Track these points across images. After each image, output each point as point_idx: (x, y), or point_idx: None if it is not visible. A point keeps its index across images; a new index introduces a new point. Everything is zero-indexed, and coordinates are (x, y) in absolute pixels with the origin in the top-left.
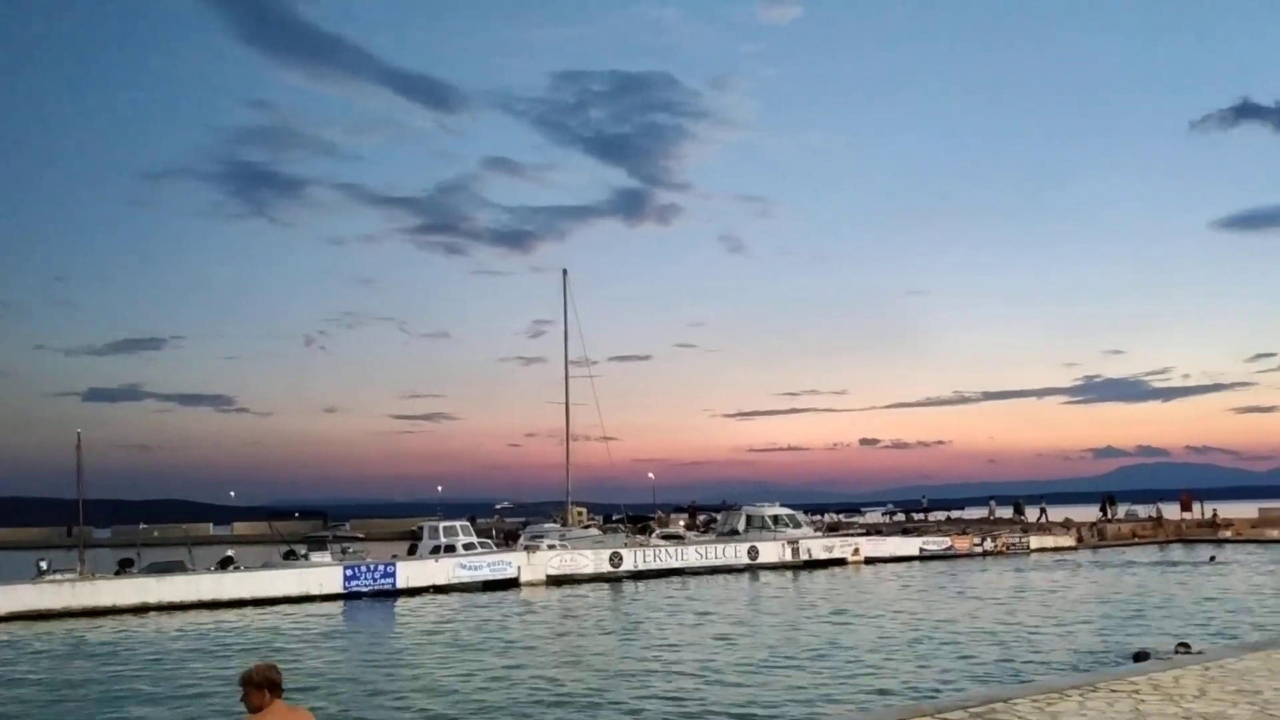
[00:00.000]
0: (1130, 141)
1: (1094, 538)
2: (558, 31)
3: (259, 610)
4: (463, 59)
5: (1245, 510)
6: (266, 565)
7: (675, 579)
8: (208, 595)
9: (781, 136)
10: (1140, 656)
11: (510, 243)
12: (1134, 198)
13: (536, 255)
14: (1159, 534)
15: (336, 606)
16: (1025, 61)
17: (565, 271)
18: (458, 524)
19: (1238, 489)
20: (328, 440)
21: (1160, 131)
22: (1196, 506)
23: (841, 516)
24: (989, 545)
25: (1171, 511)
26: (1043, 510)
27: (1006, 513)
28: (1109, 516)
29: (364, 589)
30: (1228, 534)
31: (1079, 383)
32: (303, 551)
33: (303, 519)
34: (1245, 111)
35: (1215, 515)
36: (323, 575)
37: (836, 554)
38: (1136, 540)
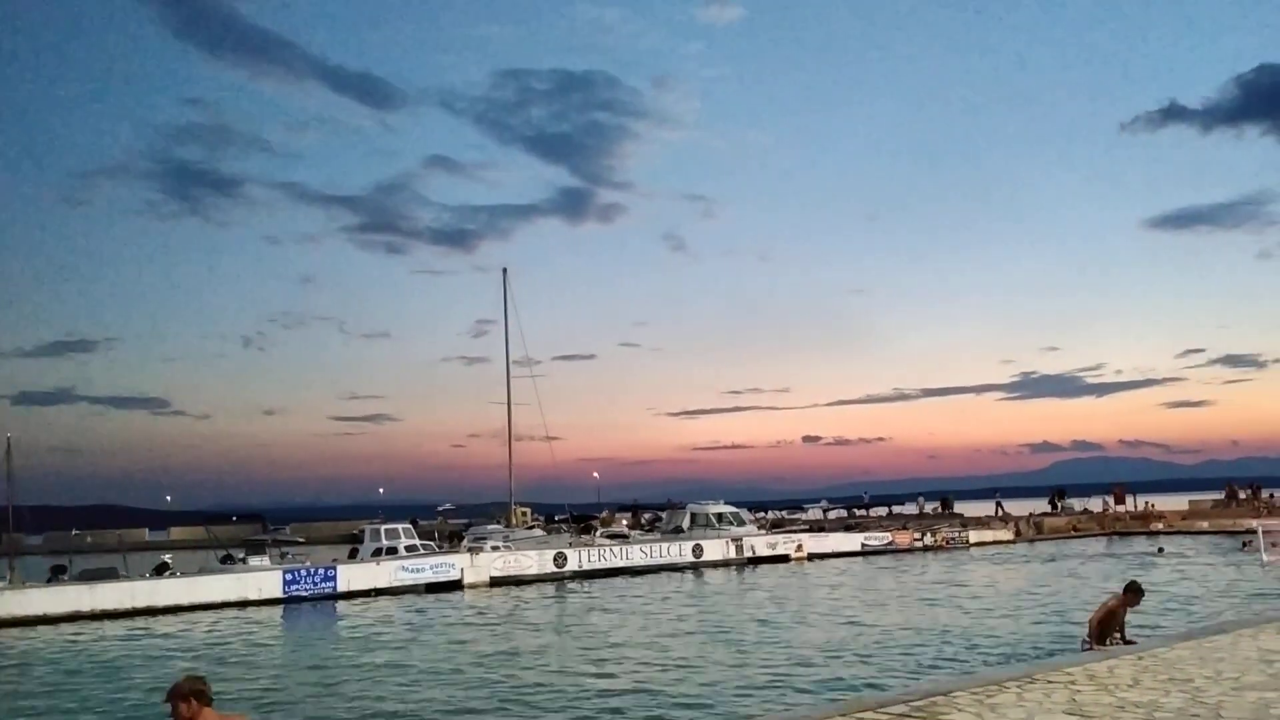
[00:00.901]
0: (1063, 143)
1: (1032, 531)
2: (499, 30)
3: (196, 617)
4: (403, 56)
5: (1176, 503)
6: (203, 570)
7: (620, 578)
8: (142, 602)
9: (723, 136)
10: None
11: (451, 242)
12: (1068, 198)
13: (478, 254)
14: (1094, 527)
15: (276, 611)
16: (962, 64)
17: (506, 271)
18: (399, 526)
19: (1168, 482)
20: (267, 443)
21: (1092, 133)
22: (1129, 500)
23: (785, 514)
24: (929, 540)
25: (1101, 504)
26: (998, 504)
27: (934, 508)
28: (1058, 510)
29: (304, 593)
30: (1159, 526)
31: (1016, 379)
32: (240, 556)
33: (241, 523)
34: (1173, 113)
35: (1150, 508)
36: (261, 580)
37: (780, 551)
38: (1074, 534)
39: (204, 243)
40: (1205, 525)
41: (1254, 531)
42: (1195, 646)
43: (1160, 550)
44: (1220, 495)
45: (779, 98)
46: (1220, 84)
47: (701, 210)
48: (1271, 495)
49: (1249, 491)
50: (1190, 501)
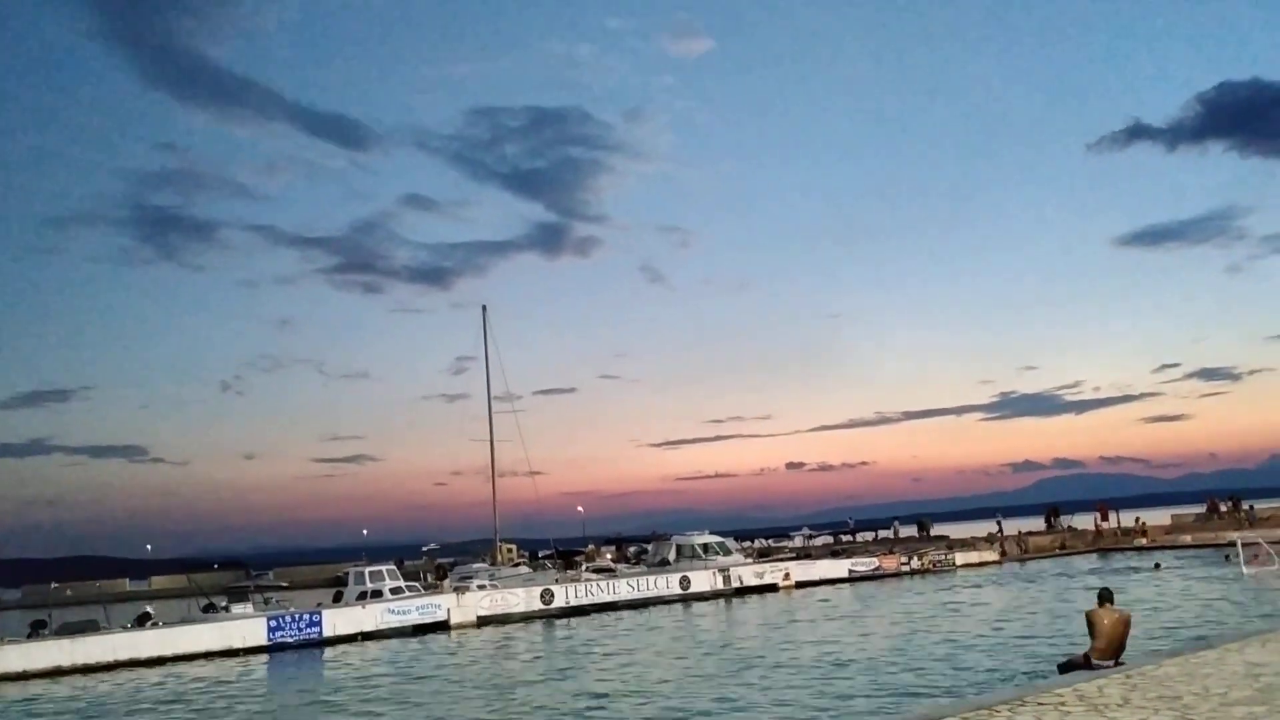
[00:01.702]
0: (1032, 165)
1: (1018, 551)
2: (471, 68)
3: (179, 668)
4: (375, 97)
5: (1158, 517)
6: (185, 620)
7: (608, 613)
8: (124, 654)
9: (696, 167)
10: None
11: (429, 280)
12: (1039, 218)
13: (456, 291)
14: (1079, 545)
15: (262, 659)
16: (930, 90)
17: (485, 308)
18: (384, 568)
19: (1150, 496)
20: (247, 487)
21: (1059, 154)
22: (1112, 516)
23: (771, 542)
24: (916, 564)
25: (1088, 522)
26: (999, 523)
27: (910, 531)
28: (1054, 528)
29: (290, 640)
30: (1143, 542)
31: (996, 399)
32: (223, 604)
33: (223, 570)
34: (1137, 132)
35: (1141, 524)
36: (245, 628)
37: (767, 580)
38: (1059, 552)
39: (179, 288)
40: (1188, 539)
41: (1235, 544)
42: (1183, 663)
43: (1157, 565)
44: (1202, 509)
45: (751, 128)
46: (1183, 102)
47: (678, 241)
48: (1251, 507)
49: (1229, 504)
50: (1173, 516)
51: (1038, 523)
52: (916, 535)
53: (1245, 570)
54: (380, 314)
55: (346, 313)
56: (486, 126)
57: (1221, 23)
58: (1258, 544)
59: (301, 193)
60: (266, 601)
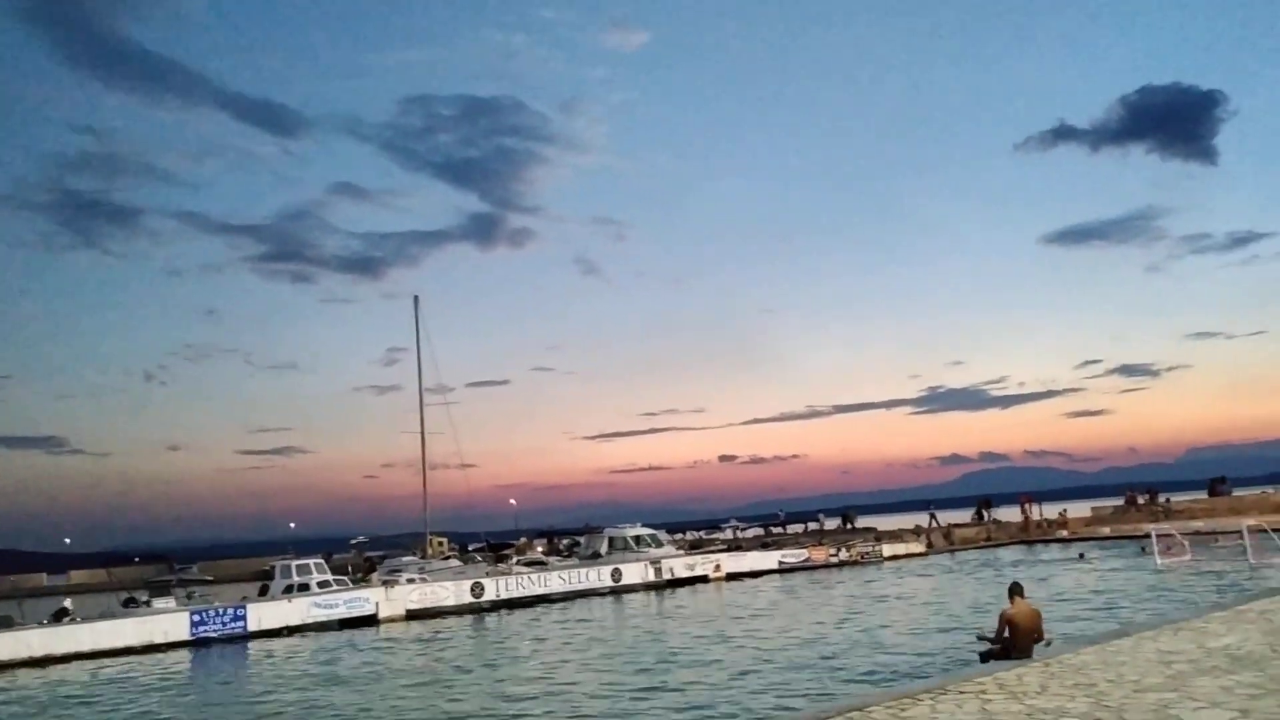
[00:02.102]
0: (961, 164)
1: (944, 542)
2: (404, 55)
3: (99, 664)
4: (306, 83)
5: (1079, 510)
6: (105, 615)
7: (539, 607)
8: (39, 651)
9: (632, 160)
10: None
11: (359, 270)
12: (967, 217)
13: (387, 282)
14: (1003, 536)
15: (184, 654)
16: (862, 89)
17: (417, 298)
18: (311, 561)
19: (1072, 490)
20: (171, 480)
21: (987, 154)
22: (1035, 508)
23: (703, 534)
24: (844, 555)
25: (1011, 514)
26: (932, 516)
27: (835, 524)
28: (985, 519)
29: (213, 634)
30: (1064, 533)
31: (924, 394)
32: (144, 598)
33: (144, 564)
34: (1063, 133)
35: (1064, 516)
36: (167, 622)
37: (699, 571)
38: (985, 544)
39: (101, 275)
40: (1107, 531)
41: (1150, 536)
42: (1099, 651)
43: (1081, 556)
44: (1121, 501)
45: (686, 121)
46: (1107, 105)
47: (613, 234)
48: (1168, 500)
49: (1147, 497)
50: (1093, 508)
51: (965, 515)
52: (842, 527)
53: (1159, 561)
54: (310, 304)
55: (275, 302)
56: (420, 115)
57: (1144, 27)
58: (1171, 535)
59: (229, 180)
60: (190, 596)
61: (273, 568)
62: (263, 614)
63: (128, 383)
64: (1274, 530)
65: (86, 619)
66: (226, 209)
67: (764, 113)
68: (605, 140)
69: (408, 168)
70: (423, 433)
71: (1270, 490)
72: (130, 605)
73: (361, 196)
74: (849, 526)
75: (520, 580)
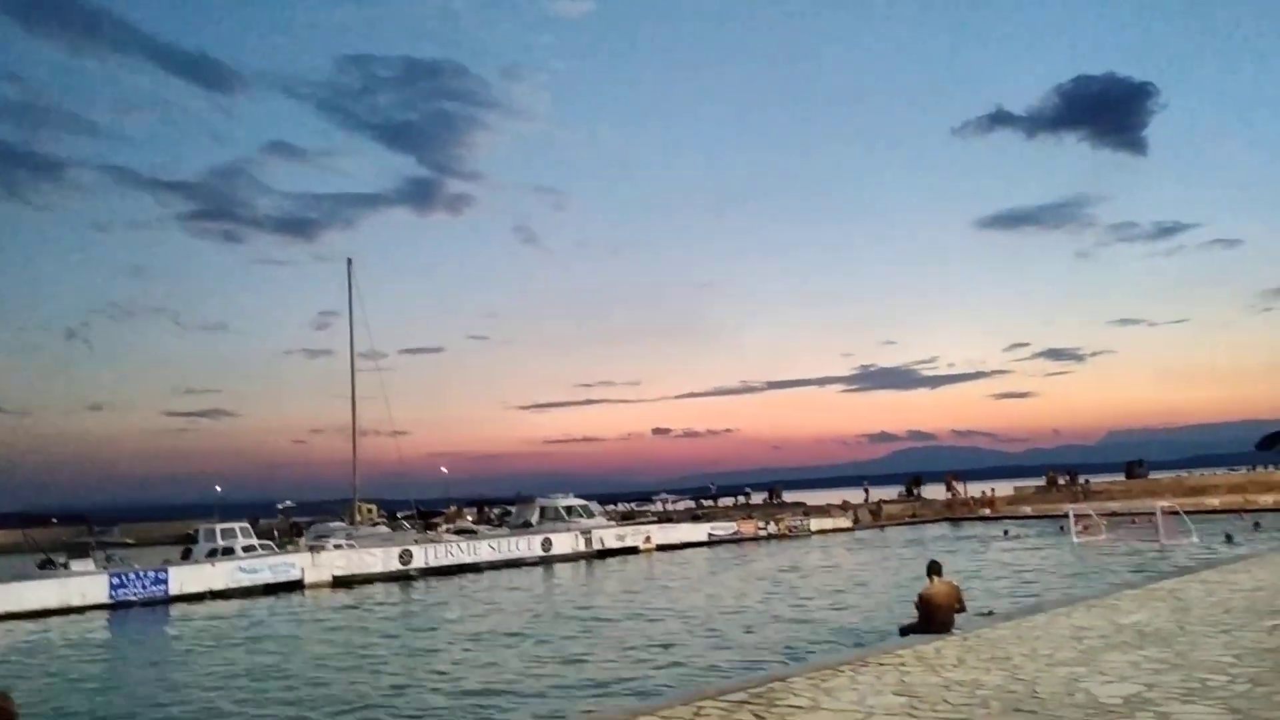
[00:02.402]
0: (899, 145)
1: (871, 518)
2: (343, 13)
3: (11, 626)
4: (240, 37)
5: (1003, 489)
6: (19, 577)
7: (468, 575)
8: None
9: (573, 128)
10: None
11: (292, 231)
12: (904, 198)
13: (321, 244)
14: (928, 513)
15: (102, 617)
16: (803, 67)
17: (350, 261)
18: (236, 525)
19: (997, 469)
20: (93, 440)
21: (925, 136)
22: (960, 486)
23: (634, 506)
24: (773, 529)
25: (938, 492)
26: (866, 491)
27: (762, 498)
28: (915, 496)
29: (133, 598)
30: (987, 511)
31: (856, 372)
32: (62, 560)
33: (63, 524)
34: (1000, 119)
35: (992, 493)
36: (85, 585)
37: (629, 543)
38: (910, 520)
39: (22, 228)
40: (1029, 510)
41: (1068, 515)
42: (1015, 626)
43: (1006, 533)
44: (1042, 481)
45: (628, 92)
46: (1042, 92)
47: (552, 203)
48: (1087, 481)
49: (1067, 478)
50: (1015, 488)
51: (894, 492)
52: (769, 502)
53: (1075, 539)
54: (240, 264)
55: (205, 261)
56: (358, 75)
57: (1081, 18)
58: (1088, 515)
59: (158, 134)
60: (110, 559)
61: (197, 531)
62: (185, 578)
63: (48, 340)
64: (1185, 512)
65: (0, 581)
66: (155, 164)
67: (706, 87)
68: (547, 108)
69: (344, 128)
70: (354, 398)
71: (1185, 474)
72: (47, 568)
73: (296, 156)
74: (776, 501)
75: (449, 548)
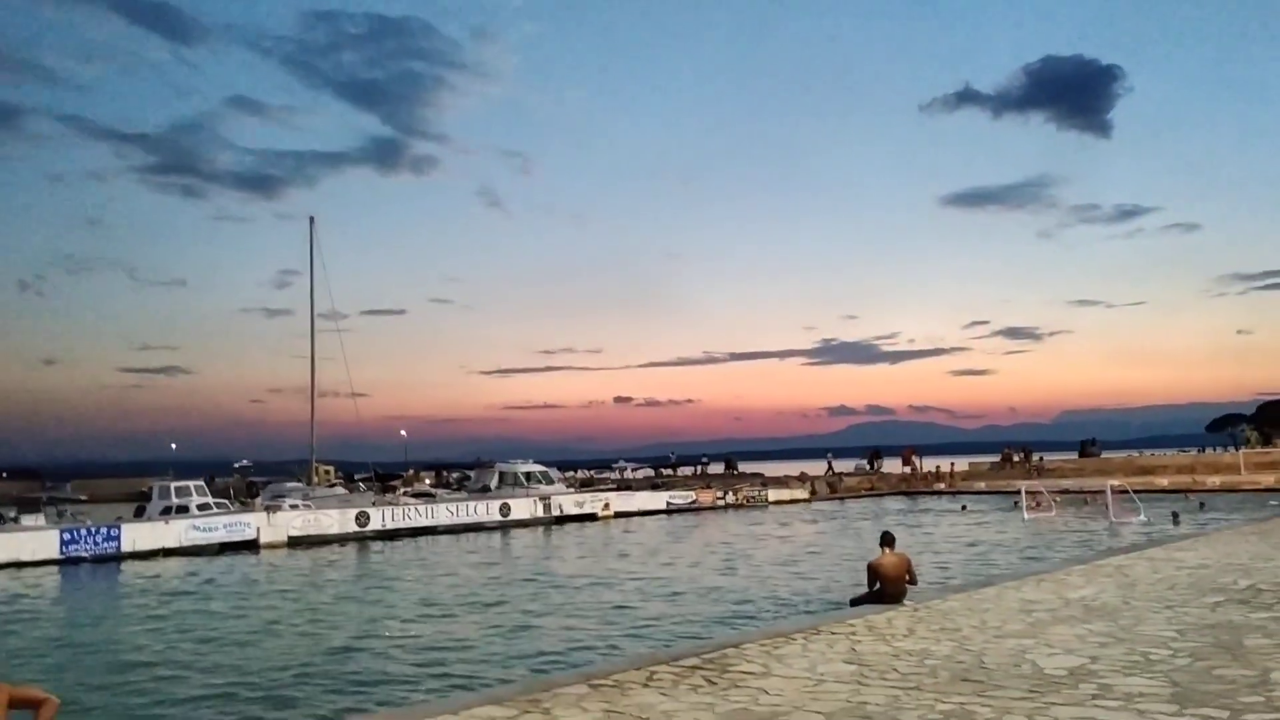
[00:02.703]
0: (867, 120)
1: (827, 490)
2: None
3: None
4: None
5: (958, 465)
6: None
7: (425, 538)
8: None
9: (542, 92)
10: None
11: (254, 187)
12: (870, 174)
13: (283, 201)
14: (884, 487)
15: (52, 573)
16: (773, 39)
17: (312, 220)
18: (191, 484)
19: (952, 445)
20: (46, 394)
21: (893, 112)
22: (916, 461)
23: (594, 473)
24: (731, 499)
25: (894, 466)
26: (830, 462)
27: (718, 468)
28: (875, 469)
29: (84, 554)
30: (942, 486)
31: (818, 345)
32: (11, 514)
33: (13, 479)
34: (967, 97)
35: (953, 467)
36: (35, 540)
37: (587, 509)
38: (866, 493)
39: None
40: (983, 485)
41: (1020, 492)
42: (965, 598)
43: (964, 508)
44: (997, 458)
45: (598, 58)
46: (1010, 72)
47: (518, 167)
48: (1041, 459)
49: (1022, 455)
50: (970, 464)
51: (851, 465)
52: (724, 472)
53: (1026, 515)
54: (200, 220)
55: (163, 216)
56: (324, 31)
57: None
58: (1040, 492)
59: (118, 84)
60: (61, 514)
61: (150, 489)
62: (138, 535)
63: (2, 293)
64: (1135, 491)
65: None
66: (114, 115)
67: (676, 56)
68: (515, 71)
69: (309, 85)
70: (313, 358)
71: (1136, 454)
72: None
73: (259, 112)
74: (732, 472)
75: (407, 511)
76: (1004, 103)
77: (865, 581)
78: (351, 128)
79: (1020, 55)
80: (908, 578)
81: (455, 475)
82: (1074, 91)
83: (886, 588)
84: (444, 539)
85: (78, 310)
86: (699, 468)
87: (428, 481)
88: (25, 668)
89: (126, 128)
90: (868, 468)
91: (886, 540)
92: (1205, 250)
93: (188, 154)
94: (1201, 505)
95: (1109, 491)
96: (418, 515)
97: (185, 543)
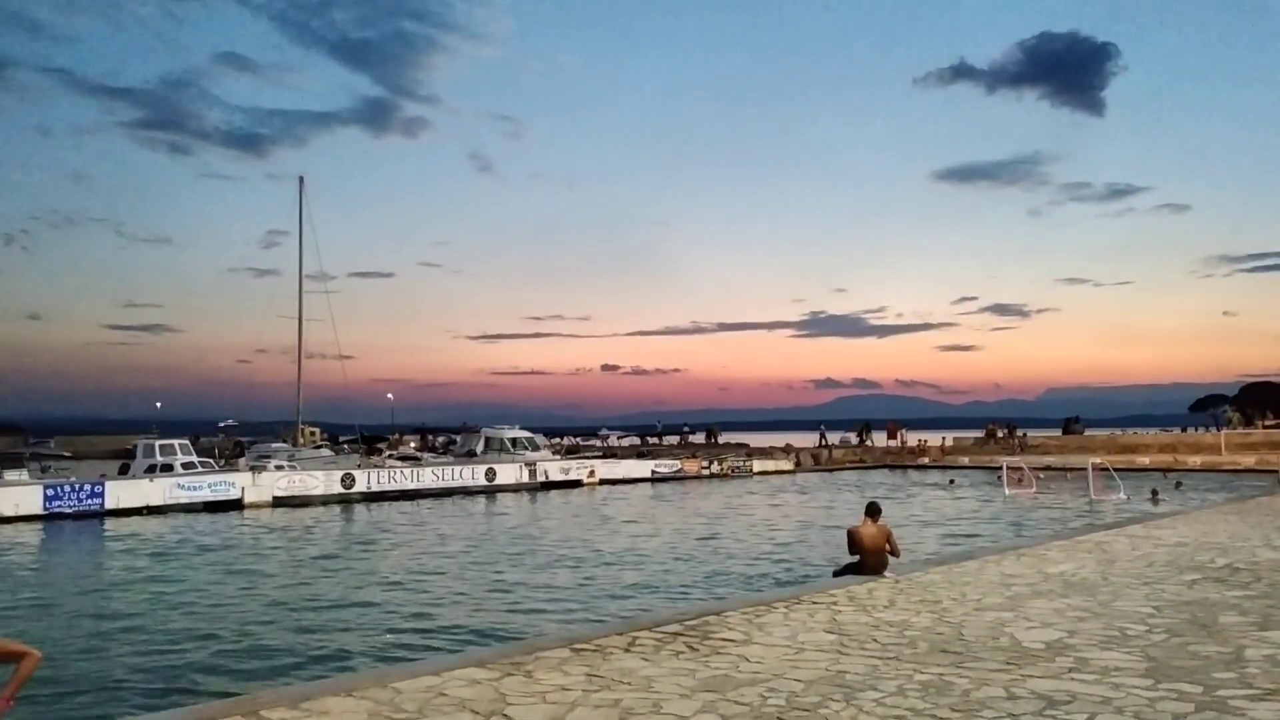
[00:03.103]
0: (860, 93)
1: (813, 462)
2: None
3: None
4: None
5: (943, 440)
6: None
7: (410, 502)
8: None
9: (535, 56)
10: None
11: (243, 146)
12: (861, 147)
13: (272, 161)
14: (867, 460)
15: (35, 528)
16: (767, 13)
17: (302, 179)
18: (176, 442)
19: (938, 420)
20: (30, 349)
21: (887, 85)
22: (901, 435)
23: (580, 440)
24: (716, 469)
25: (879, 439)
26: (823, 434)
27: (700, 439)
28: (863, 441)
29: (67, 510)
30: (925, 460)
31: (806, 317)
32: None
33: None
34: (962, 72)
35: (942, 442)
36: (18, 495)
37: (573, 476)
38: (849, 465)
39: None
40: (966, 461)
41: (1002, 467)
42: (946, 571)
43: (952, 482)
44: (981, 434)
45: (591, 23)
46: (1005, 47)
47: (509, 131)
48: (1025, 435)
49: (1006, 431)
50: (954, 439)
51: (838, 438)
52: (705, 442)
53: (1007, 491)
54: (188, 177)
55: (150, 172)
56: None
57: None
58: (1021, 468)
59: (105, 38)
60: (45, 470)
61: (135, 446)
62: (122, 492)
63: None
64: (1116, 470)
65: None
66: (102, 69)
67: (670, 24)
68: (509, 33)
69: (299, 43)
70: (300, 319)
71: (1119, 432)
72: None
73: (248, 69)
74: (714, 442)
75: (392, 474)
76: (998, 78)
77: (848, 555)
78: (342, 87)
79: (1016, 31)
80: (888, 548)
81: (441, 440)
82: (1068, 68)
83: (865, 558)
84: (429, 502)
85: (63, 266)
86: (681, 437)
87: (412, 445)
88: (6, 622)
89: (114, 82)
90: (854, 440)
91: (871, 511)
92: (1194, 231)
93: (176, 110)
94: (1178, 484)
95: (1090, 469)
96: (403, 478)
97: (169, 501)
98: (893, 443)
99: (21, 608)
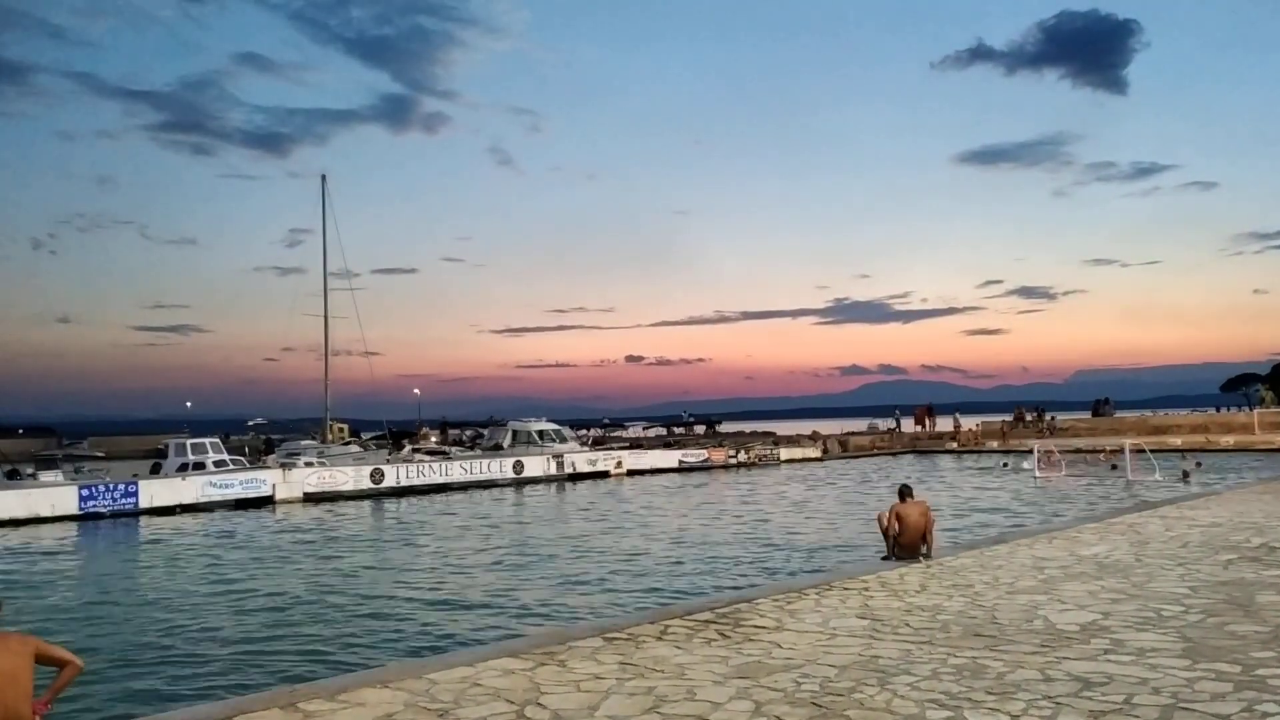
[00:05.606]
0: (879, 77)
1: (840, 449)
2: None
3: None
4: None
5: (971, 424)
6: None
7: (439, 495)
8: None
9: (552, 49)
10: None
11: (264, 145)
12: (882, 132)
13: (293, 160)
14: (895, 445)
15: (71, 528)
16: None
17: (324, 178)
18: (207, 441)
19: (965, 404)
20: (61, 352)
21: (905, 69)
22: (929, 420)
23: (606, 431)
24: (743, 457)
25: (907, 425)
26: (898, 419)
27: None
28: (927, 428)
29: (103, 509)
30: (954, 445)
31: (830, 304)
32: (29, 471)
33: (30, 436)
34: (980, 53)
35: (977, 429)
36: (54, 495)
37: (600, 467)
38: (876, 451)
39: None
40: (995, 445)
41: (1032, 451)
42: (978, 555)
43: (1005, 465)
44: (1010, 417)
45: (609, 15)
46: (1024, 28)
47: (529, 124)
48: (1054, 418)
49: (1034, 414)
50: (983, 423)
51: (863, 425)
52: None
53: (1037, 474)
54: (210, 178)
55: (173, 174)
56: None
57: None
58: (1050, 451)
59: (126, 41)
60: (79, 470)
61: (167, 446)
62: (155, 491)
63: (14, 250)
64: (1151, 451)
65: None
66: (123, 72)
67: (686, 13)
68: (526, 26)
69: (318, 41)
70: (326, 317)
71: (1149, 413)
72: (13, 477)
73: (268, 69)
74: (711, 431)
75: (422, 468)
76: (1018, 59)
77: (887, 529)
78: (361, 85)
79: (1035, 10)
80: (926, 534)
81: (468, 433)
82: (1090, 47)
83: (905, 536)
84: (458, 496)
85: (90, 268)
86: (685, 428)
87: (433, 439)
88: (58, 623)
89: (135, 85)
90: (919, 425)
91: (905, 491)
92: (1222, 209)
93: (197, 111)
94: (1198, 464)
95: (1126, 450)
96: (432, 473)
97: (202, 499)
98: (919, 428)
99: (72, 608)
